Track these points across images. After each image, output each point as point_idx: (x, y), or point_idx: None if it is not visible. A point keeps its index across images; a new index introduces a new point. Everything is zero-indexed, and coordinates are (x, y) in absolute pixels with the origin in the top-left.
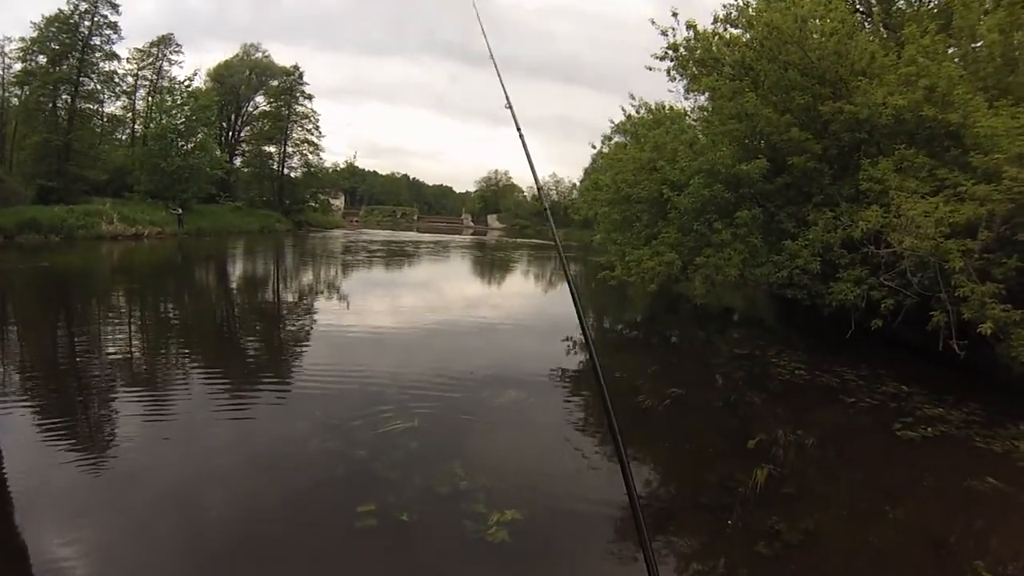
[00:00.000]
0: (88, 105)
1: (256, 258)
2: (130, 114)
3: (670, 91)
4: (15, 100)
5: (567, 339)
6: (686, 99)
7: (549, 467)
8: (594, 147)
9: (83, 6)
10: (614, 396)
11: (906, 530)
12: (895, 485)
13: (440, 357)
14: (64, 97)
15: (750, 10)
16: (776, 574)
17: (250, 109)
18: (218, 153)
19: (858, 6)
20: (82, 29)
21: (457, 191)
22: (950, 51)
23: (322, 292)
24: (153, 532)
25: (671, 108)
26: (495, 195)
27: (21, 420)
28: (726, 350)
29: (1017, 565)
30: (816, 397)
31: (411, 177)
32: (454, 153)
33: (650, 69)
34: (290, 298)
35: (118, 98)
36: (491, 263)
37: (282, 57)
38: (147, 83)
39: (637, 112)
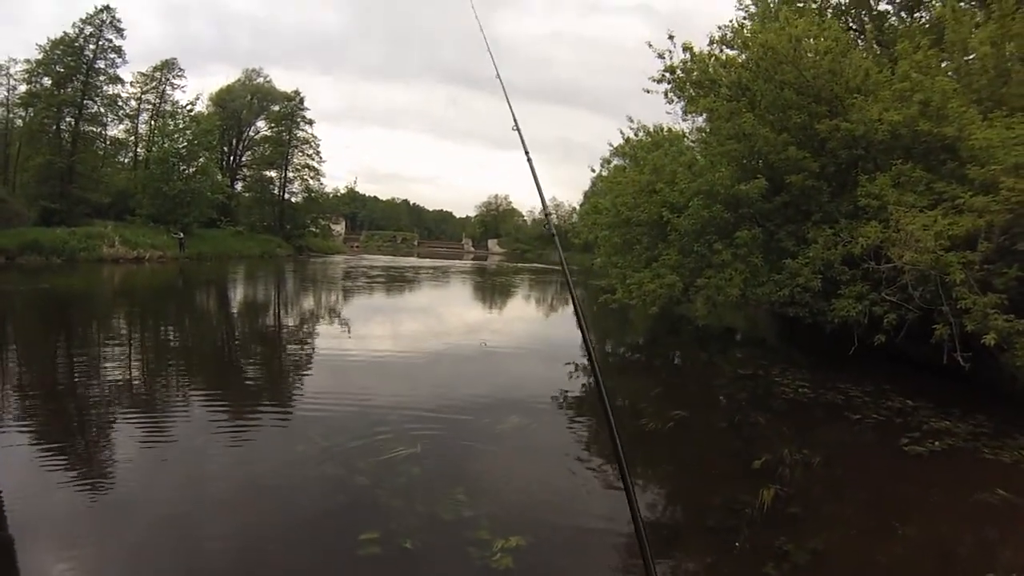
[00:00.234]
0: (91, 128)
1: (257, 283)
2: (133, 137)
3: (668, 113)
4: (19, 121)
5: (569, 363)
6: (684, 120)
7: (553, 492)
8: (593, 170)
9: (88, 30)
10: (616, 419)
11: (916, 546)
12: (903, 501)
13: (442, 382)
14: (68, 119)
15: (745, 31)
16: None
17: (251, 134)
18: (219, 177)
19: (851, 24)
20: (87, 53)
21: (457, 216)
22: (943, 65)
23: (323, 317)
24: (151, 557)
25: (669, 130)
26: (495, 220)
27: (19, 442)
28: (729, 370)
29: None
30: (821, 415)
31: (411, 202)
32: (453, 177)
33: (648, 91)
34: (291, 323)
35: (121, 121)
36: (492, 288)
37: (283, 82)
38: (150, 107)
39: (636, 135)
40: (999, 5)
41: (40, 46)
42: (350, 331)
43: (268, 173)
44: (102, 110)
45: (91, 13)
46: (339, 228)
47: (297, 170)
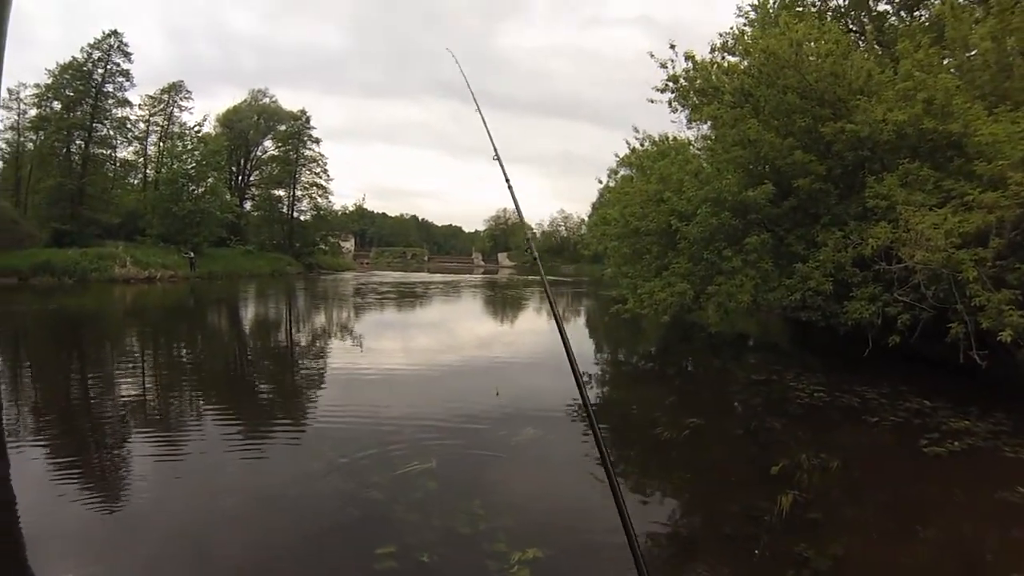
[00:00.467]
0: (101, 150)
1: (268, 300)
2: (142, 159)
3: (672, 122)
4: (30, 145)
5: (582, 374)
6: (689, 129)
7: (570, 504)
8: (600, 182)
9: (96, 54)
10: (631, 429)
11: (938, 548)
12: (924, 503)
13: (455, 396)
14: (78, 142)
15: (746, 38)
16: None
17: (259, 153)
18: (228, 197)
19: (851, 26)
20: (95, 76)
21: (467, 231)
22: (945, 62)
23: (334, 333)
24: (165, 572)
25: (674, 139)
26: (504, 233)
27: (33, 458)
28: (743, 377)
29: None
30: (837, 418)
31: (420, 218)
32: (459, 192)
33: (652, 101)
34: (303, 340)
35: (130, 143)
36: (502, 301)
37: (288, 101)
38: (158, 128)
39: (641, 145)
40: (998, 0)
41: (49, 71)
42: (362, 347)
43: (277, 192)
44: (111, 132)
45: (99, 38)
46: (348, 245)
47: (305, 188)
